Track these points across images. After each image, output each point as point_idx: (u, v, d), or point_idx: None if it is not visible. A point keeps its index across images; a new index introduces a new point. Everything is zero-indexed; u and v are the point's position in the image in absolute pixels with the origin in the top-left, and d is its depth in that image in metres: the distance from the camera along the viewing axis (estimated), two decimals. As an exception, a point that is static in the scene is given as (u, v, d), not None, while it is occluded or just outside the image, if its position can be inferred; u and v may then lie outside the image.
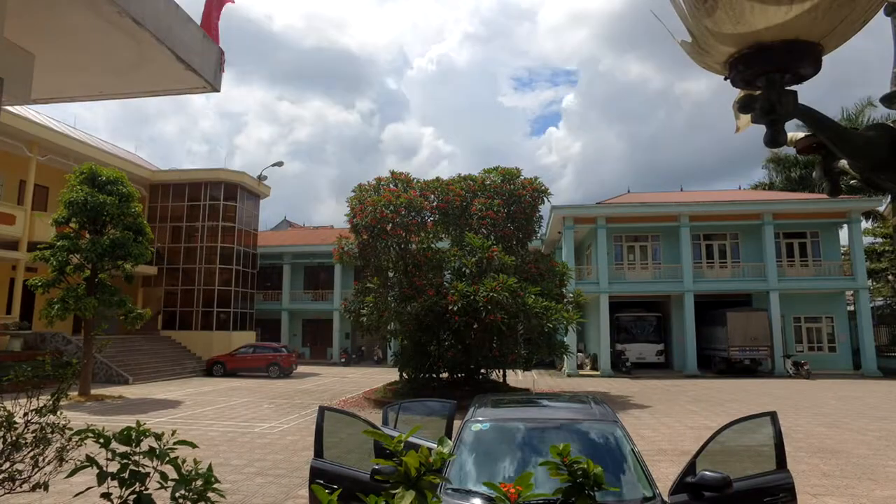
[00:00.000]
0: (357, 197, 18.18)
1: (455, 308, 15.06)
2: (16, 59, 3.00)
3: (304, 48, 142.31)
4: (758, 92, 1.57)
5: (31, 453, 3.65)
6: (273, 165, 39.38)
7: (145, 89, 3.89)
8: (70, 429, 3.63)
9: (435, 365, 17.39)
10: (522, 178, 18.97)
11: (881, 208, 30.67)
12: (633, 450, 4.05)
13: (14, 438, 3.58)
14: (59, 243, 17.58)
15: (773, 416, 4.07)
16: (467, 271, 16.46)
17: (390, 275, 18.73)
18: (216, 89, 3.67)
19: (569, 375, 26.11)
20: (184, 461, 2.38)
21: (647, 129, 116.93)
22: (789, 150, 32.69)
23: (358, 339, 35.38)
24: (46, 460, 3.68)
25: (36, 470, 3.63)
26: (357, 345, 35.78)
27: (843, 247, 29.36)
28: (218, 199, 30.37)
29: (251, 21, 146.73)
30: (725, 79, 1.63)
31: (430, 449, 1.78)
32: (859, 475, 8.61)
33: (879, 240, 32.68)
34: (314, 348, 37.44)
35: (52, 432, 3.72)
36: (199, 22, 3.62)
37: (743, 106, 1.65)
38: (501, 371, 18.56)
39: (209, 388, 21.05)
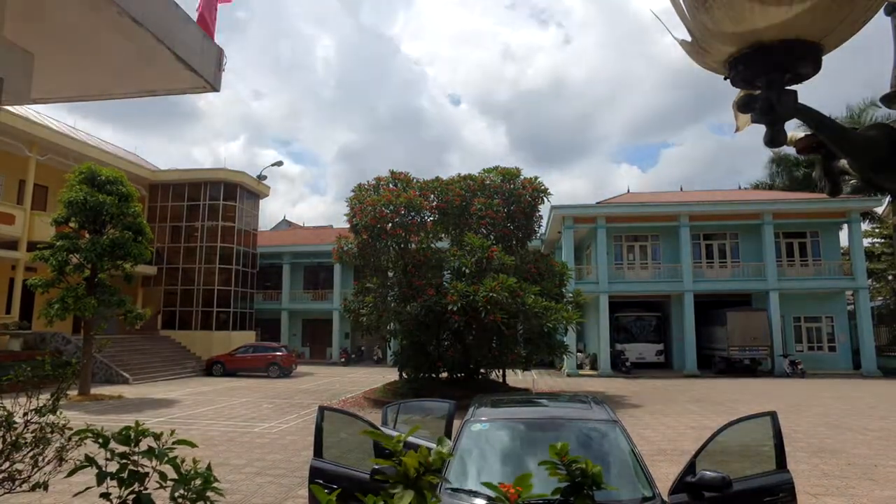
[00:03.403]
0: (357, 197, 18.17)
1: (454, 308, 15.05)
2: (16, 59, 3.00)
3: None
4: (758, 91, 1.57)
5: (31, 453, 3.65)
6: (273, 165, 39.40)
7: (145, 89, 3.89)
8: (69, 428, 3.63)
9: (434, 365, 17.39)
10: (522, 177, 18.97)
11: (880, 209, 30.65)
12: (632, 450, 4.05)
13: (14, 438, 3.58)
14: (58, 243, 17.56)
15: (772, 415, 4.06)
16: (467, 271, 16.45)
17: (390, 275, 18.72)
18: (216, 89, 3.67)
19: (568, 375, 26.11)
20: (183, 461, 2.38)
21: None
22: (790, 150, 32.66)
23: (358, 339, 35.36)
24: (46, 460, 3.68)
25: (35, 470, 3.63)
26: (357, 345, 35.77)
27: (843, 247, 29.35)
28: (217, 198, 30.36)
29: None
30: (725, 78, 1.63)
31: (429, 449, 1.77)
32: (859, 475, 8.61)
33: (878, 241, 32.69)
34: (314, 348, 37.43)
35: (52, 432, 3.71)
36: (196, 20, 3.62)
37: (743, 105, 1.65)
38: (501, 371, 18.55)
39: (209, 387, 21.05)
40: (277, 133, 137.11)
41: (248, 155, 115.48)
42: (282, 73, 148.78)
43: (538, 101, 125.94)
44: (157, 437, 2.48)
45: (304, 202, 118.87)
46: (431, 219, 18.73)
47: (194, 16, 3.70)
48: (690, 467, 3.93)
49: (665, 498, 3.75)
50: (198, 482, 2.32)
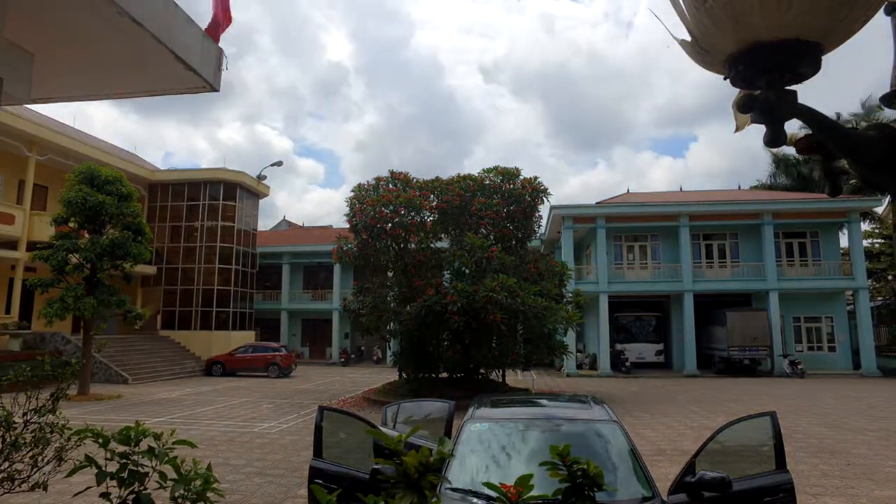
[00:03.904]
0: (356, 197, 18.16)
1: (454, 308, 15.05)
2: (16, 59, 3.00)
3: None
4: (758, 91, 1.57)
5: (31, 453, 3.65)
6: (272, 165, 39.42)
7: (144, 89, 3.89)
8: (69, 428, 3.63)
9: (434, 365, 17.38)
10: (522, 177, 18.97)
11: (880, 209, 30.65)
12: (632, 450, 4.05)
13: (13, 438, 3.57)
14: (58, 243, 17.56)
15: (772, 415, 4.06)
16: (467, 271, 16.44)
17: (389, 275, 18.70)
18: (215, 89, 3.67)
19: (568, 375, 26.11)
20: (183, 461, 2.38)
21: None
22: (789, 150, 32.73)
23: (357, 339, 35.36)
24: (45, 460, 3.68)
25: (35, 470, 3.63)
26: (356, 345, 35.77)
27: (843, 247, 29.35)
28: (217, 198, 30.35)
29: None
30: (725, 78, 1.63)
31: (430, 449, 1.77)
32: (859, 475, 8.61)
33: (878, 241, 32.69)
34: (313, 348, 37.43)
35: (51, 432, 3.71)
36: (200, 21, 3.62)
37: (743, 105, 1.65)
38: (500, 371, 18.55)
39: (208, 387, 21.04)
40: (289, 127, 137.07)
41: (258, 146, 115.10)
42: (294, 59, 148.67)
43: (581, 82, 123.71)
44: (157, 437, 2.48)
45: (317, 195, 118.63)
46: (431, 219, 18.71)
47: (198, 16, 3.70)
48: (690, 467, 3.93)
49: (665, 498, 3.75)
50: (198, 482, 2.33)
